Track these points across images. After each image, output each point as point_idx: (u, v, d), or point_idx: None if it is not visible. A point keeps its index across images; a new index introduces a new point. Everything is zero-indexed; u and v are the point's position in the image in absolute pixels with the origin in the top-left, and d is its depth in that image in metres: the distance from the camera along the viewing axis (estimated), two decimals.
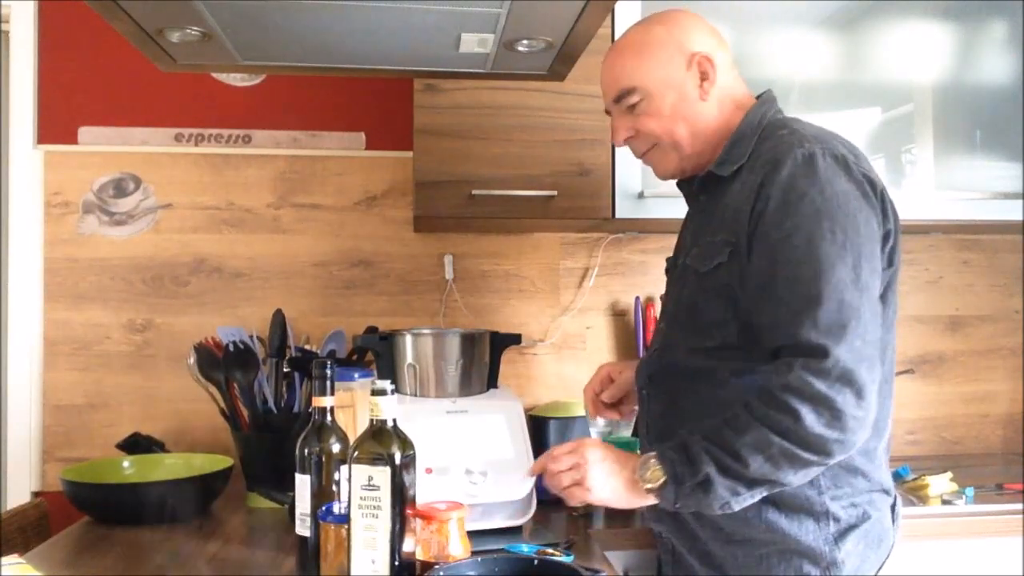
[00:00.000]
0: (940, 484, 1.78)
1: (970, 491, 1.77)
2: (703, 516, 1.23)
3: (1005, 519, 1.67)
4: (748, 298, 1.17)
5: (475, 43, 1.41)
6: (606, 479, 1.19)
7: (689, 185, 1.38)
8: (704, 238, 1.27)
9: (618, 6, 1.78)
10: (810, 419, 1.05)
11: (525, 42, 1.42)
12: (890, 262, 1.21)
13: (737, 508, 1.12)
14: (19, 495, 1.98)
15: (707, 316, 1.23)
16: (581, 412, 1.95)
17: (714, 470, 1.10)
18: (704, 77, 1.28)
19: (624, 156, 1.82)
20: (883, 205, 1.19)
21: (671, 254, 1.46)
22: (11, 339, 2.03)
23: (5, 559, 1.18)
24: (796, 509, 1.19)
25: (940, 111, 1.98)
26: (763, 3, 1.91)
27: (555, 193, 1.80)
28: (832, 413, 1.05)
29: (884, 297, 1.19)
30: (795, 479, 1.10)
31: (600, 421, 1.81)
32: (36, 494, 1.99)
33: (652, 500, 1.16)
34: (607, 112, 1.39)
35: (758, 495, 1.12)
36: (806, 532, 1.18)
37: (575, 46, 1.45)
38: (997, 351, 2.32)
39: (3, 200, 2.06)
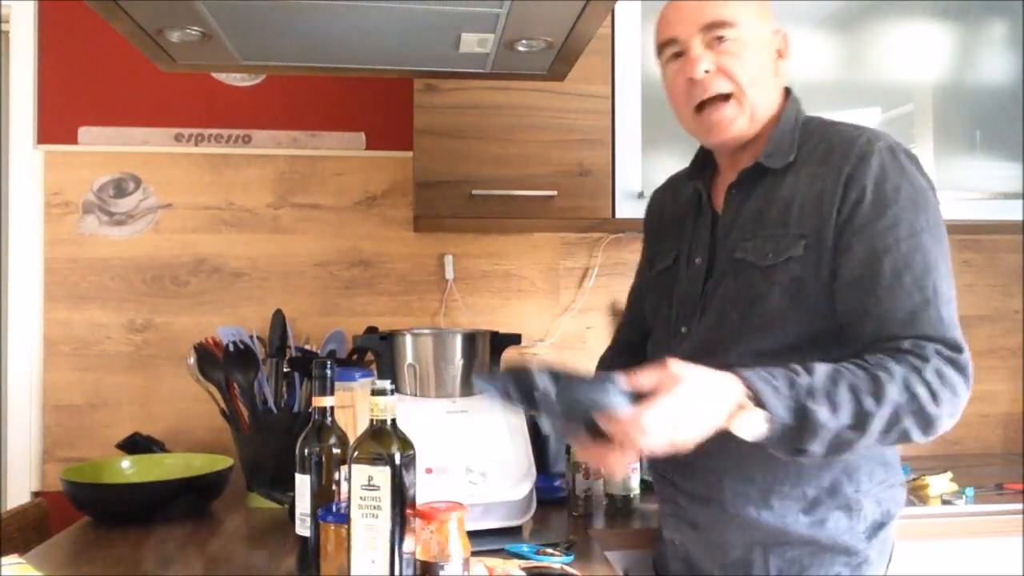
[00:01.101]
0: (940, 484, 1.78)
1: (970, 491, 1.76)
2: (733, 522, 1.21)
3: (1005, 519, 1.67)
4: (841, 288, 1.13)
5: (475, 43, 1.41)
6: (683, 429, 0.99)
7: (703, 176, 1.34)
8: (761, 231, 1.20)
9: (618, 6, 1.78)
10: (946, 408, 1.06)
11: (525, 42, 1.42)
12: None
13: (819, 456, 1.06)
14: (19, 495, 1.98)
15: (768, 313, 1.17)
16: None
17: (836, 419, 1.02)
18: (781, 54, 1.26)
19: (624, 156, 1.83)
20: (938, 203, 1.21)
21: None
22: (11, 339, 2.03)
23: (5, 559, 1.18)
24: (830, 508, 1.18)
25: (940, 111, 1.98)
26: None
27: (555, 193, 1.80)
28: (956, 406, 1.08)
29: None
30: (886, 444, 1.09)
31: None
32: (36, 494, 1.99)
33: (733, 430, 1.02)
34: (670, 47, 1.24)
35: (847, 451, 1.07)
36: (839, 529, 1.18)
37: (575, 46, 1.45)
38: (997, 351, 2.32)
39: (3, 200, 2.06)
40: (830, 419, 1.01)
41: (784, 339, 1.16)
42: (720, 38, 1.20)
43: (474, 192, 1.77)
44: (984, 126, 2.01)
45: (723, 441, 1.04)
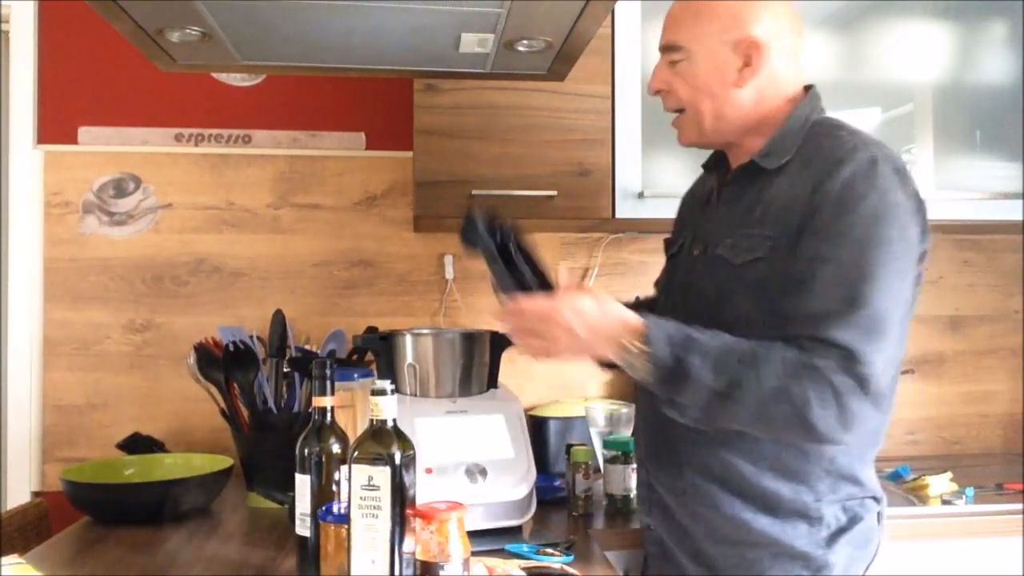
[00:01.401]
0: (940, 484, 1.78)
1: (970, 491, 1.77)
2: (696, 514, 1.23)
3: (1005, 519, 1.67)
4: (784, 289, 1.14)
5: (475, 43, 1.41)
6: (579, 344, 1.11)
7: (718, 169, 1.35)
8: (740, 230, 1.22)
9: (618, 6, 1.78)
10: (828, 413, 1.05)
11: (525, 42, 1.42)
12: (917, 280, 1.19)
13: (686, 418, 1.11)
14: (19, 495, 1.98)
15: (734, 312, 1.19)
16: (581, 412, 1.95)
17: (703, 384, 1.07)
18: (746, 63, 1.23)
19: (624, 156, 1.83)
20: (924, 224, 1.17)
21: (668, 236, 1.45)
22: (11, 339, 2.03)
23: (5, 559, 1.18)
24: (791, 514, 1.19)
25: (940, 111, 1.98)
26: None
27: (555, 193, 1.80)
28: (848, 416, 1.05)
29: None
30: (768, 436, 1.13)
31: (600, 421, 1.81)
32: (36, 494, 1.99)
33: (615, 361, 1.11)
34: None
35: (717, 423, 1.12)
36: (799, 536, 1.18)
37: (575, 46, 1.45)
38: (997, 351, 2.32)
39: (3, 200, 2.06)
40: (704, 377, 1.06)
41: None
42: (673, 61, 1.28)
43: (474, 192, 1.77)
44: (984, 126, 2.01)
45: (687, 433, 1.18)
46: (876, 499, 1.25)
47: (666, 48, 1.29)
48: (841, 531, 1.19)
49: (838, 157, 1.15)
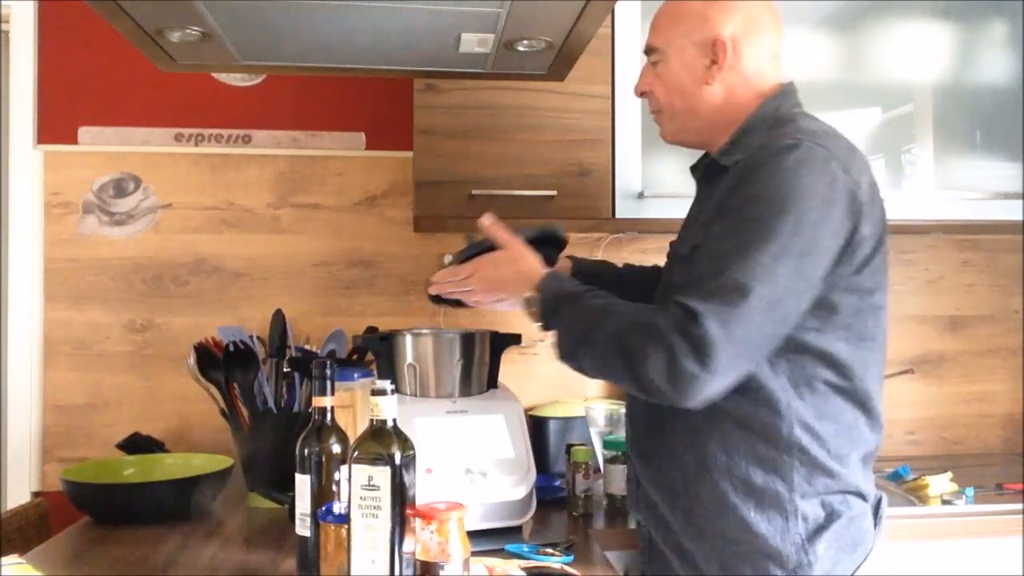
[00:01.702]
0: (940, 484, 1.78)
1: (970, 491, 1.77)
2: (676, 508, 1.23)
3: (1005, 519, 1.67)
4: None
5: (475, 43, 1.41)
6: (494, 289, 1.32)
7: (696, 171, 1.38)
8: (692, 224, 1.28)
9: (618, 6, 1.78)
10: (654, 367, 1.08)
11: (525, 42, 1.42)
12: (867, 268, 1.17)
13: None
14: (19, 495, 1.98)
15: None
16: (581, 412, 1.95)
17: (568, 332, 1.19)
18: (714, 61, 1.27)
19: (624, 156, 1.83)
20: (857, 216, 1.15)
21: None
22: (11, 339, 2.03)
23: (5, 559, 1.18)
24: (768, 505, 1.17)
25: (940, 111, 1.98)
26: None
27: (555, 193, 1.80)
28: (677, 374, 1.07)
29: (837, 305, 1.17)
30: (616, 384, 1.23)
31: (600, 421, 1.81)
32: (36, 494, 1.99)
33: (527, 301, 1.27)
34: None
35: (603, 378, 1.28)
36: (774, 531, 1.17)
37: (575, 46, 1.45)
38: (997, 351, 2.32)
39: (3, 200, 2.06)
40: (566, 324, 1.20)
41: None
42: (653, 63, 1.34)
43: (474, 192, 1.77)
44: (984, 126, 2.01)
45: (666, 425, 1.23)
46: (862, 497, 1.22)
47: (647, 51, 1.35)
48: (820, 529, 1.17)
49: (767, 147, 1.16)
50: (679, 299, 1.09)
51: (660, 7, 1.35)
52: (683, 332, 1.06)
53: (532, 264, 1.29)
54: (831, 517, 1.18)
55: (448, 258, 2.11)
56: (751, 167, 1.16)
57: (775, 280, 1.08)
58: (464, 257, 1.36)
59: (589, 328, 1.16)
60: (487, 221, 1.34)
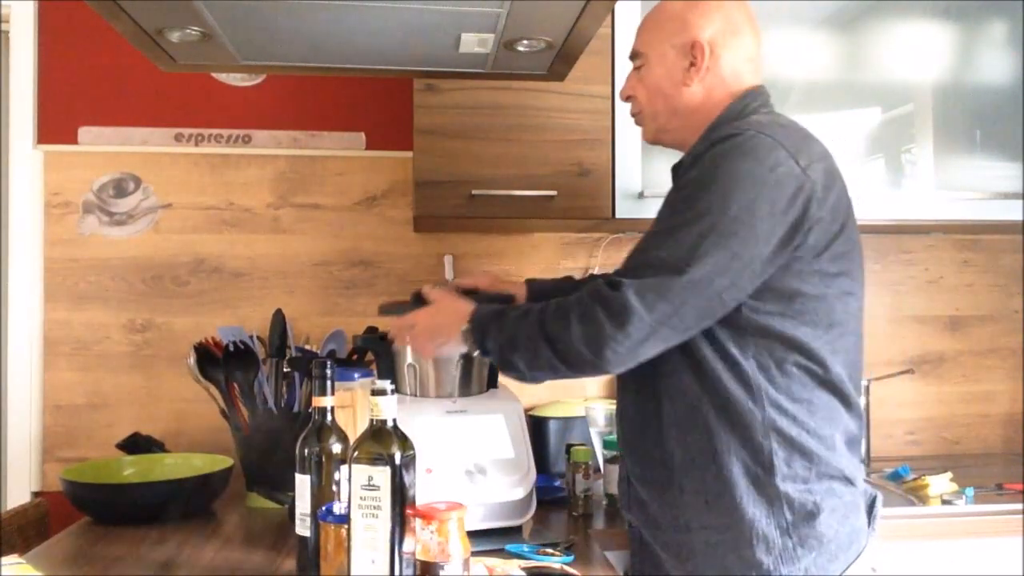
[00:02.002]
0: (940, 484, 1.78)
1: (970, 491, 1.77)
2: (664, 503, 1.24)
3: (1005, 519, 1.67)
4: None
5: (475, 43, 1.41)
6: (431, 320, 1.36)
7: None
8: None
9: (618, 6, 1.78)
10: (576, 335, 1.15)
11: (525, 42, 1.42)
12: (825, 253, 1.18)
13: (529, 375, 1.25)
14: (19, 495, 1.98)
15: None
16: (581, 412, 1.95)
17: (500, 350, 1.24)
18: (692, 63, 1.30)
19: (624, 156, 1.83)
20: (807, 201, 1.16)
21: None
22: (11, 339, 2.03)
23: (5, 559, 1.18)
24: (752, 491, 1.17)
25: (940, 111, 1.98)
26: (763, 3, 1.90)
27: (555, 193, 1.80)
28: (596, 336, 1.13)
29: (795, 289, 1.18)
30: (556, 378, 1.23)
31: (600, 421, 1.81)
32: (36, 494, 1.99)
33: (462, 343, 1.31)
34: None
35: (533, 379, 1.25)
36: (760, 516, 1.17)
37: (575, 46, 1.45)
38: (997, 351, 2.32)
39: (3, 200, 2.06)
40: (494, 339, 1.25)
41: None
42: (637, 68, 1.38)
43: (474, 192, 1.77)
44: (984, 126, 2.01)
45: (648, 420, 1.26)
46: (849, 482, 1.22)
47: (632, 57, 1.40)
48: (808, 516, 1.17)
49: (718, 138, 1.22)
50: (604, 275, 1.18)
51: (645, 14, 1.39)
52: (602, 299, 1.14)
53: (463, 304, 1.34)
54: (818, 504, 1.18)
55: (448, 259, 2.12)
56: (695, 156, 1.25)
57: (700, 258, 1.13)
58: (387, 313, 1.47)
59: (514, 332, 1.22)
60: (427, 288, 1.43)
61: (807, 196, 1.16)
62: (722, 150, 1.19)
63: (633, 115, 1.42)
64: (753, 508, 1.17)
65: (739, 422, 1.18)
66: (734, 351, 1.18)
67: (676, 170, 1.37)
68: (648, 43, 1.35)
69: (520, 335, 1.21)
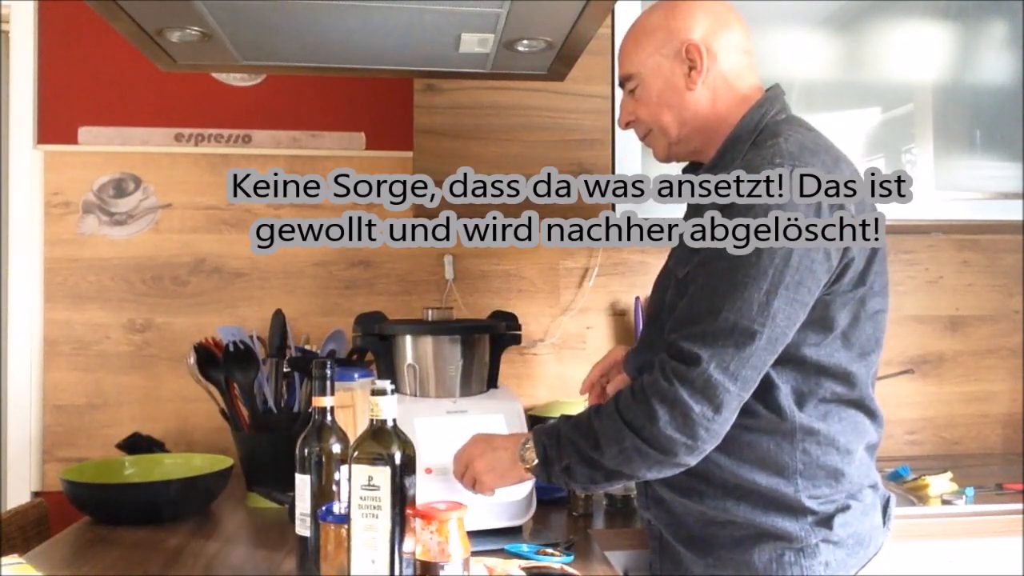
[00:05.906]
0: (940, 484, 1.78)
1: (970, 491, 1.77)
2: (689, 502, 1.24)
3: (1005, 519, 1.67)
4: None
5: (475, 43, 1.41)
6: (490, 469, 1.28)
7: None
8: (685, 244, 1.27)
9: (618, 6, 1.78)
10: (663, 420, 1.09)
11: (525, 42, 1.42)
12: (862, 281, 1.19)
13: (600, 491, 1.23)
14: (19, 495, 1.98)
15: None
16: None
17: (575, 459, 1.17)
18: (692, 67, 1.27)
19: (624, 156, 1.83)
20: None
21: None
22: (11, 339, 2.03)
23: (5, 559, 1.18)
24: (772, 505, 1.19)
25: (940, 111, 1.98)
26: (763, 3, 1.91)
27: None
28: (685, 419, 1.09)
29: (835, 320, 1.18)
30: (648, 475, 1.16)
31: None
32: (36, 494, 1.99)
33: (533, 477, 1.25)
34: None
35: (618, 484, 1.21)
36: (783, 519, 1.19)
37: (575, 46, 1.45)
38: (997, 351, 2.32)
39: (3, 200, 2.06)
40: (560, 459, 1.19)
41: None
42: (631, 91, 1.34)
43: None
44: (984, 126, 2.01)
45: None
46: (872, 487, 1.25)
47: (622, 82, 1.36)
48: (829, 518, 1.19)
49: (753, 167, 1.16)
50: (676, 343, 1.11)
51: (624, 37, 1.35)
52: (685, 379, 1.09)
53: (497, 439, 1.31)
54: (839, 508, 1.20)
55: (448, 259, 2.12)
56: (726, 168, 1.18)
57: (772, 316, 1.10)
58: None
59: (588, 431, 1.16)
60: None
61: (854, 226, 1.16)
62: None
63: (642, 138, 1.38)
64: (776, 511, 1.19)
65: (766, 440, 1.19)
66: (771, 376, 1.16)
67: (694, 170, 1.34)
68: (637, 62, 1.31)
69: (599, 432, 1.15)
